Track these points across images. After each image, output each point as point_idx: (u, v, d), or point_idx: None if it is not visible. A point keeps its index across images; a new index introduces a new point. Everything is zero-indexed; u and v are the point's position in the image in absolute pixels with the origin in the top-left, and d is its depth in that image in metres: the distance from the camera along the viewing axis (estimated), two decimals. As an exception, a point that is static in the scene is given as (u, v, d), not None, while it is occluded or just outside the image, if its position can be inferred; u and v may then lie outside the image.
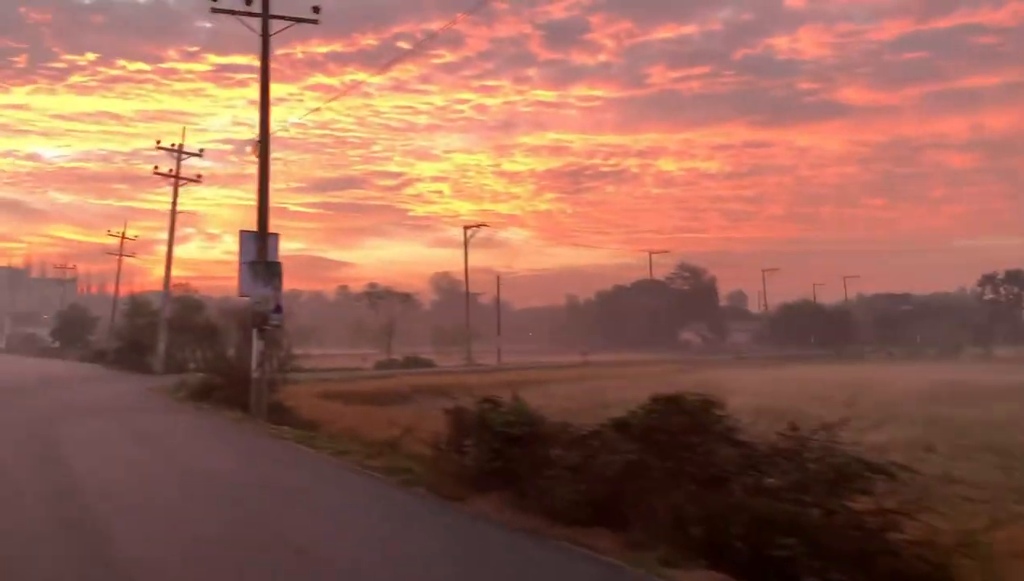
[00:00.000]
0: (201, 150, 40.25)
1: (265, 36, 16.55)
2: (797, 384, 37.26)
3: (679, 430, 6.58)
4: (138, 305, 56.66)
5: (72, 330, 73.21)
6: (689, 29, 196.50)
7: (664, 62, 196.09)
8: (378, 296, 53.67)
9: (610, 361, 55.33)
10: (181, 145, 39.16)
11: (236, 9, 16.64)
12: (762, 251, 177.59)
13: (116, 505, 7.34)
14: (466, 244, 55.99)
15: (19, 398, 22.10)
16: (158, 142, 38.64)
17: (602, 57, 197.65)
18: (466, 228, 56.23)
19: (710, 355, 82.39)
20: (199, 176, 40.35)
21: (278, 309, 16.32)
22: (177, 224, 40.85)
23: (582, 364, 49.43)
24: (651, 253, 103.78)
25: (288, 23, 16.84)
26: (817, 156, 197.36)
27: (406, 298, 55.24)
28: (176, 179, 39.19)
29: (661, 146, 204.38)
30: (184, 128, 41.49)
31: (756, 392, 32.72)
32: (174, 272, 41.50)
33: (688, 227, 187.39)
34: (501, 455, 7.86)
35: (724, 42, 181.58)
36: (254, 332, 16.17)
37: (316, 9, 16.62)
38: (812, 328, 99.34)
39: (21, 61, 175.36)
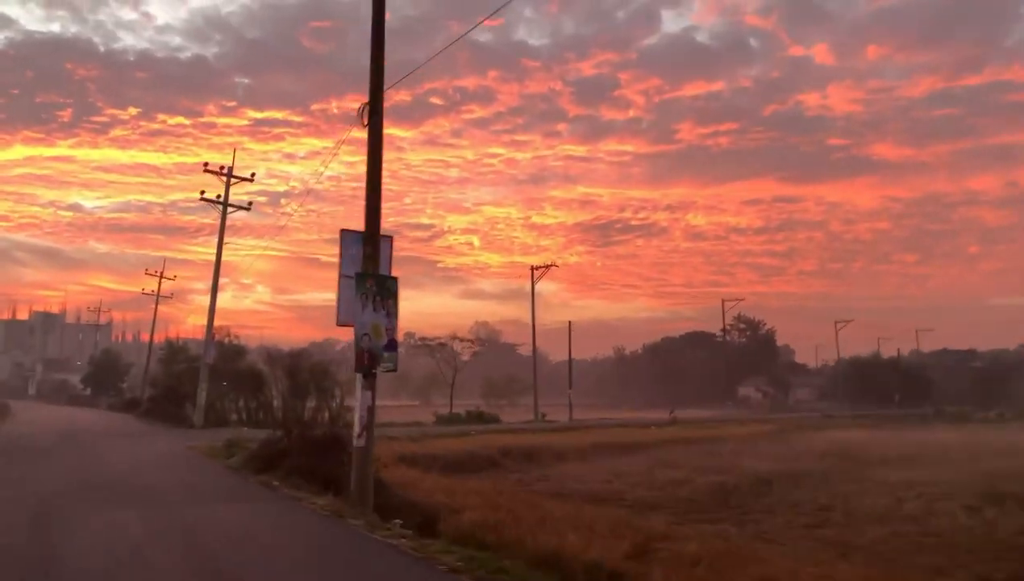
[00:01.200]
0: (252, 174, 35.67)
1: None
2: (963, 451, 31.11)
3: None
4: (175, 350, 52.07)
5: (104, 376, 68.79)
6: (718, 86, 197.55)
7: (693, 118, 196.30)
8: (439, 344, 48.38)
9: (697, 419, 49.23)
10: (231, 168, 34.63)
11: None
12: (794, 307, 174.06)
13: None
14: (533, 285, 50.65)
15: (29, 462, 16.95)
16: (205, 165, 34.20)
17: (632, 113, 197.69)
18: (533, 269, 50.96)
19: (783, 413, 75.58)
20: (250, 203, 35.69)
21: (392, 345, 10.98)
22: (211, 274, 36.13)
23: (670, 422, 43.46)
24: (724, 302, 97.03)
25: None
26: (848, 211, 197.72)
27: (471, 344, 49.64)
28: (224, 205, 34.51)
29: (690, 200, 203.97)
30: (235, 150, 36.76)
31: (936, 463, 26.74)
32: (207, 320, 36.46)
33: (718, 281, 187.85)
34: None
35: (753, 98, 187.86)
36: (358, 379, 10.84)
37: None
38: (886, 384, 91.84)
39: (66, 116, 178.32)
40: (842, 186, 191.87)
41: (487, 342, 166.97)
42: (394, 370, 11.22)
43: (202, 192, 34.14)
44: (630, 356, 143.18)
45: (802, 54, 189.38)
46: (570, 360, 52.57)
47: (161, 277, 53.37)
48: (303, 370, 40.77)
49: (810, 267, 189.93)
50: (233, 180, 34.65)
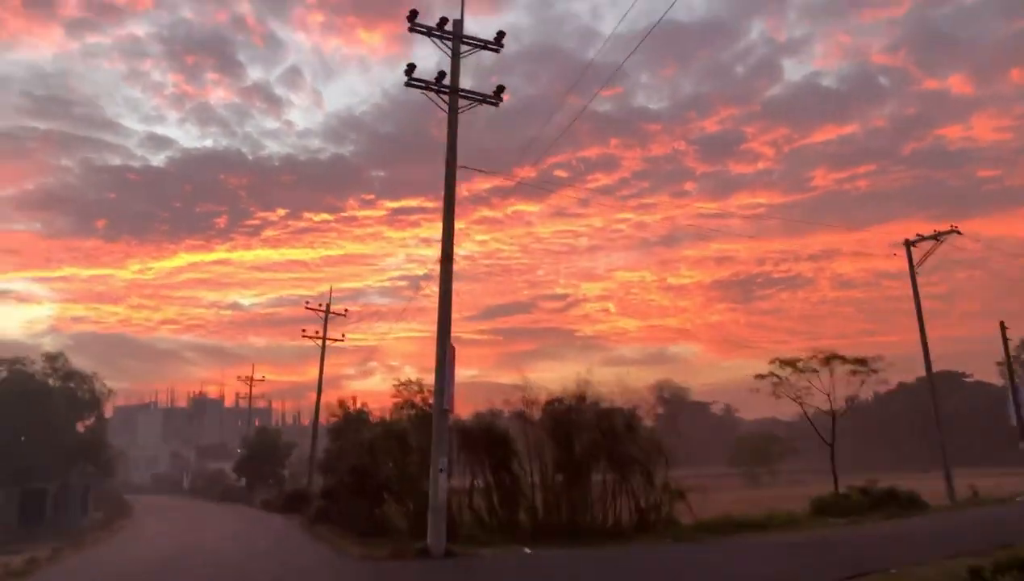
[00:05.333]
0: (501, 34, 18.21)
1: None
2: None
3: None
4: (350, 419, 34.72)
5: (260, 462, 53.40)
6: (850, 129, 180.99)
7: (827, 164, 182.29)
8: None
9: None
10: (460, 21, 17.44)
11: None
12: (962, 351, 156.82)
13: None
14: (912, 267, 30.49)
15: None
16: (412, 15, 17.08)
17: (761, 165, 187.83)
18: (908, 243, 30.98)
19: None
20: (500, 88, 18.18)
21: None
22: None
23: None
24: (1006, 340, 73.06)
25: None
26: (1011, 245, 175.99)
27: (865, 367, 28.80)
28: (453, 91, 17.23)
29: (834, 248, 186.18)
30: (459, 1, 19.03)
31: None
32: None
33: (873, 329, 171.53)
34: None
35: (890, 138, 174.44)
36: None
37: None
38: None
39: (222, 222, 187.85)
40: (1000, 219, 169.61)
41: (675, 403, 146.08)
42: None
43: (410, 68, 17.04)
44: (862, 406, 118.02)
45: (937, 87, 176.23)
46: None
47: (327, 310, 37.24)
48: (587, 426, 22.74)
49: (975, 308, 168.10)
50: (466, 47, 17.49)
